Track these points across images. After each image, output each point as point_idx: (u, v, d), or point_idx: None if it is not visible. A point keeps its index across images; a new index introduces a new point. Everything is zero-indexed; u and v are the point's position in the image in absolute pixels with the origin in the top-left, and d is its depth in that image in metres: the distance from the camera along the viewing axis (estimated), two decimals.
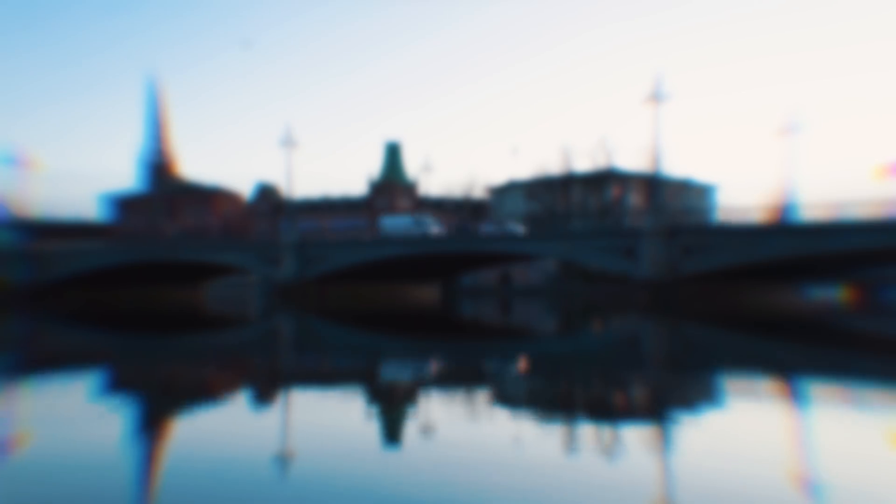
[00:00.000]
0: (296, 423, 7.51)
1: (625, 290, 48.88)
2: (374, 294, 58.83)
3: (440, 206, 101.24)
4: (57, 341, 20.19)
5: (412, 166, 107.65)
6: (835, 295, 60.18)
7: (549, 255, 57.97)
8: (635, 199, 79.89)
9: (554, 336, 21.18)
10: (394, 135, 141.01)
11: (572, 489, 4.94)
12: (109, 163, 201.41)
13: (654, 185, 50.63)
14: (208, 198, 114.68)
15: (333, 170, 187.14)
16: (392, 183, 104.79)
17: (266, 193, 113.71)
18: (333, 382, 10.80)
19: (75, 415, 7.99)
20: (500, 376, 11.34)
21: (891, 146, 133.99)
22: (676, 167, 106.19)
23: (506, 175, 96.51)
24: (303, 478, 5.30)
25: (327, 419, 7.69)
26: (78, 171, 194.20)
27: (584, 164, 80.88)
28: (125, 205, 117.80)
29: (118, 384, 10.93)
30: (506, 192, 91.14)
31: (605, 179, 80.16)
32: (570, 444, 6.37)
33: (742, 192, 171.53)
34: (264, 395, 9.62)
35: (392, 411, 8.21)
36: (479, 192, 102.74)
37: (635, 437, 6.63)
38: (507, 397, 9.18)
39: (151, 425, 7.58)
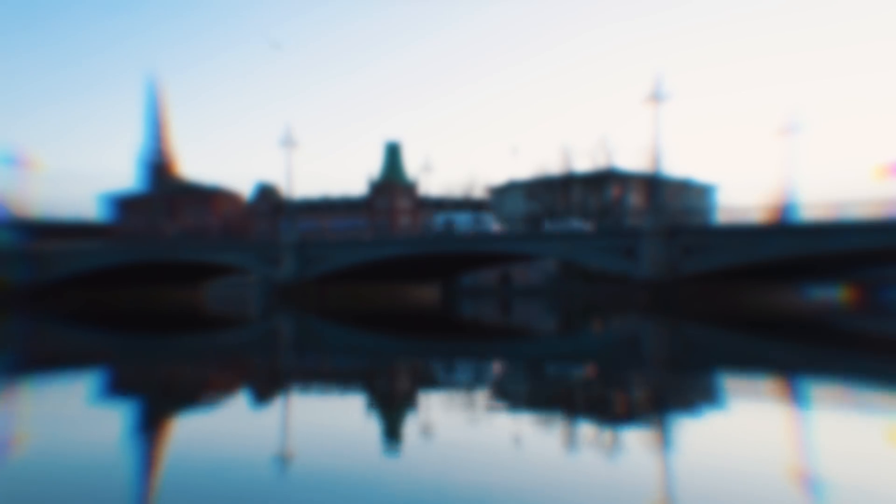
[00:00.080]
0: (296, 424, 7.51)
1: (625, 290, 48.89)
2: (374, 294, 58.83)
3: (440, 206, 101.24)
4: (57, 341, 20.19)
5: (412, 166, 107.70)
6: (835, 295, 60.19)
7: (549, 255, 57.97)
8: (635, 199, 79.91)
9: (554, 336, 21.17)
10: (394, 135, 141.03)
11: (572, 489, 4.94)
12: (109, 163, 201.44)
13: (654, 185, 50.63)
14: (208, 198, 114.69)
15: (333, 170, 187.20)
16: (392, 183, 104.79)
17: (266, 193, 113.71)
18: (333, 383, 10.79)
19: (75, 415, 7.98)
20: (500, 376, 11.33)
21: (891, 146, 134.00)
22: (676, 167, 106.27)
23: (506, 175, 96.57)
24: (303, 478, 5.30)
25: (327, 419, 7.69)
26: (78, 171, 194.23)
27: (584, 164, 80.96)
28: (125, 205, 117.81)
29: (118, 384, 10.92)
30: (506, 192, 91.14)
31: (605, 179, 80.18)
32: (570, 445, 6.37)
33: (742, 192, 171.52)
34: (264, 395, 9.62)
35: (392, 411, 8.21)
36: (479, 192, 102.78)
37: (635, 437, 6.63)
38: (508, 397, 9.18)
39: (151, 425, 7.58)
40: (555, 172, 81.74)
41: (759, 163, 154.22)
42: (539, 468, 5.48)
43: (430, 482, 5.16)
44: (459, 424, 7.29)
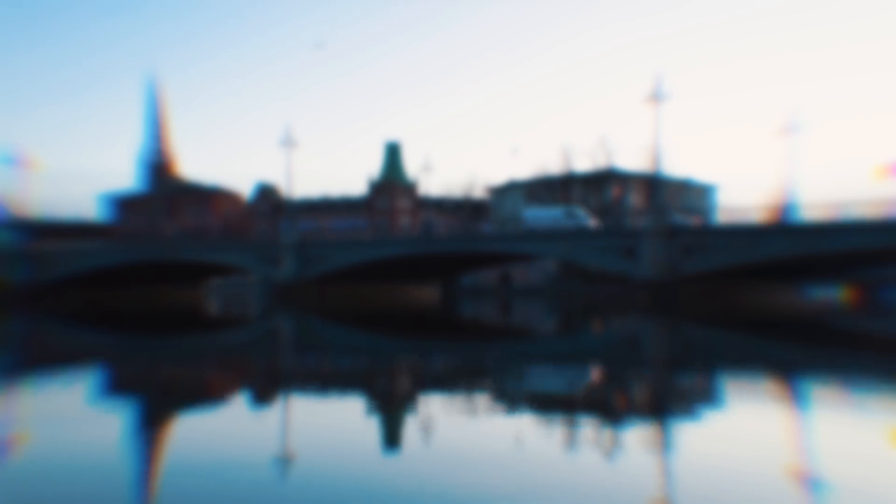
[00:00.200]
0: (296, 424, 7.50)
1: (625, 290, 48.88)
2: (374, 294, 58.82)
3: (440, 207, 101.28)
4: (57, 341, 20.18)
5: (412, 166, 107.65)
6: (835, 295, 60.19)
7: (549, 255, 57.97)
8: (635, 199, 79.91)
9: (554, 336, 21.16)
10: (394, 135, 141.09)
11: (572, 489, 4.93)
12: (109, 163, 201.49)
13: (654, 185, 50.62)
14: (208, 198, 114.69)
15: (333, 170, 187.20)
16: (392, 183, 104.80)
17: (266, 193, 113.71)
18: (333, 383, 10.78)
19: (75, 415, 7.97)
20: (500, 376, 11.32)
21: (891, 146, 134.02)
22: (677, 167, 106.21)
23: (506, 175, 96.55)
24: (303, 478, 5.29)
25: (327, 419, 7.68)
26: (78, 171, 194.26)
27: (584, 164, 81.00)
28: (125, 205, 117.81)
29: (118, 384, 10.91)
30: (506, 192, 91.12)
31: (605, 179, 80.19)
32: (570, 445, 6.36)
33: (742, 192, 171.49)
34: (264, 395, 9.61)
35: (392, 412, 8.20)
36: (479, 192, 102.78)
37: (635, 437, 6.62)
38: (507, 397, 9.17)
39: (151, 425, 7.57)
40: (555, 172, 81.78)
41: (759, 163, 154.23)
42: (539, 468, 5.47)
43: (430, 482, 5.15)
44: (459, 424, 7.29)
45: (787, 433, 6.82)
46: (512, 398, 9.08)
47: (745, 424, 7.23)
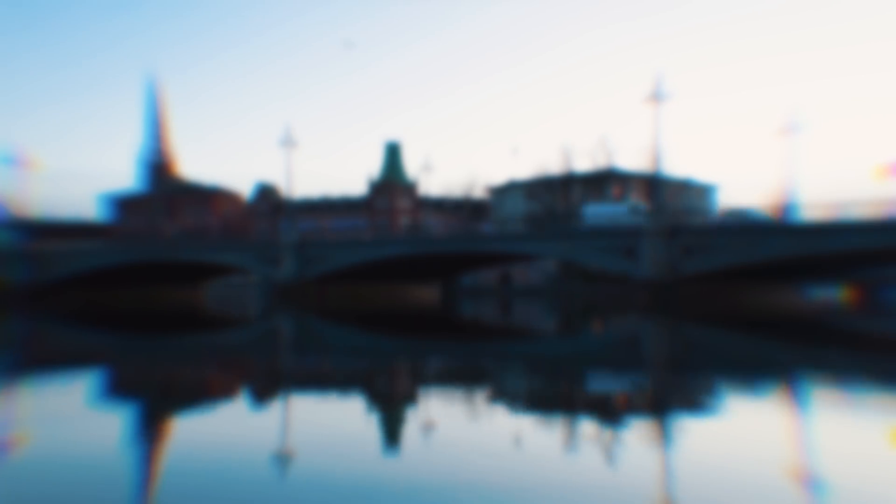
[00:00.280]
0: (296, 424, 7.49)
1: (625, 290, 48.86)
2: (374, 294, 58.81)
3: (440, 207, 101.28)
4: (56, 341, 20.17)
5: (412, 166, 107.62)
6: (835, 295, 60.20)
7: (549, 255, 57.95)
8: (635, 199, 79.87)
9: (554, 336, 21.15)
10: (394, 135, 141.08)
11: (572, 489, 4.92)
12: (109, 163, 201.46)
13: (654, 184, 50.61)
14: (208, 198, 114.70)
15: (333, 170, 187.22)
16: (392, 183, 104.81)
17: (266, 193, 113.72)
18: (333, 383, 10.78)
19: (75, 415, 7.97)
20: (500, 376, 11.32)
21: (891, 146, 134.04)
22: (677, 167, 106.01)
23: (506, 175, 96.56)
24: (303, 478, 5.28)
25: (327, 419, 7.67)
26: (78, 171, 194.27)
27: (584, 164, 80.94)
28: (125, 205, 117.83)
29: (118, 384, 10.90)
30: (506, 192, 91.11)
31: (605, 179, 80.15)
32: (571, 444, 6.35)
33: (742, 192, 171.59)
34: (264, 395, 9.60)
35: (392, 411, 8.19)
36: (479, 192, 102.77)
37: (635, 437, 6.61)
38: (507, 397, 9.16)
39: (151, 425, 7.56)
40: (555, 172, 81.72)
41: (759, 163, 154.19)
42: (539, 468, 5.47)
43: (430, 482, 5.15)
44: (459, 424, 7.28)
45: (786, 433, 6.81)
46: (512, 398, 9.08)
47: (745, 424, 7.23)
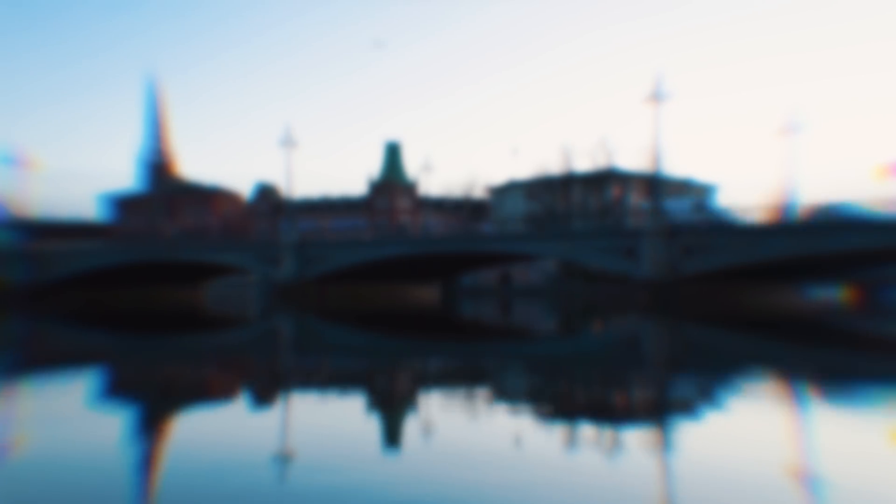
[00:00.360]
0: (296, 424, 7.49)
1: (625, 290, 48.86)
2: (374, 294, 58.81)
3: (440, 206, 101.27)
4: (56, 341, 20.16)
5: (412, 166, 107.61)
6: (835, 295, 60.20)
7: (549, 255, 57.95)
8: (636, 199, 79.86)
9: (554, 336, 21.15)
10: (394, 135, 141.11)
11: (572, 489, 4.92)
12: (109, 163, 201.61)
13: (654, 185, 50.60)
14: (208, 198, 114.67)
15: (333, 170, 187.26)
16: (392, 183, 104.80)
17: (266, 193, 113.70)
18: (333, 383, 10.77)
19: (75, 415, 7.96)
20: (500, 376, 11.31)
21: (891, 146, 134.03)
22: (677, 167, 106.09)
23: (506, 175, 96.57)
24: (303, 478, 5.27)
25: (327, 419, 7.67)
26: (78, 171, 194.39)
27: (584, 164, 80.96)
28: (124, 205, 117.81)
29: (118, 384, 10.90)
30: (506, 192, 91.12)
31: (605, 179, 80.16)
32: (571, 445, 6.35)
33: (742, 192, 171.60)
34: (264, 395, 9.60)
35: (392, 412, 8.19)
36: (479, 192, 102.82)
37: (635, 437, 6.61)
38: (507, 397, 9.16)
39: (151, 425, 7.55)
40: (555, 172, 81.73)
41: (759, 163, 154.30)
42: (539, 468, 5.46)
43: (430, 482, 5.14)
44: (459, 424, 7.27)
45: (787, 433, 6.80)
46: (512, 398, 9.07)
47: (746, 425, 7.22)
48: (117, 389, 10.29)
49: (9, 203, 68.29)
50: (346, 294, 56.79)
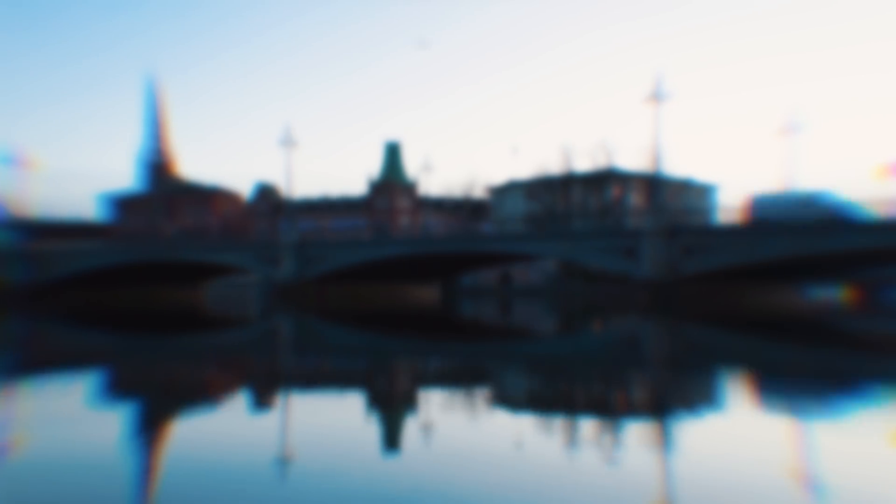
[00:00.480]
0: (295, 424, 7.47)
1: (625, 290, 48.87)
2: (374, 294, 58.81)
3: (440, 207, 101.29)
4: (56, 341, 20.15)
5: (412, 166, 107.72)
6: (835, 295, 60.20)
7: (549, 255, 57.96)
8: (636, 199, 79.90)
9: (554, 336, 21.14)
10: (394, 135, 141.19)
11: (572, 489, 4.91)
12: (109, 163, 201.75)
13: (654, 184, 50.62)
14: (208, 198, 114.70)
15: (333, 170, 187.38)
16: (392, 183, 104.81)
17: (266, 193, 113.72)
18: (333, 383, 10.76)
19: (74, 415, 7.95)
20: (500, 376, 11.30)
21: (891, 146, 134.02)
22: (677, 167, 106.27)
23: (506, 175, 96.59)
24: (302, 478, 5.26)
25: (327, 420, 7.65)
26: (78, 171, 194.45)
27: (584, 164, 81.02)
28: (124, 205, 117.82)
29: (117, 384, 10.88)
30: (506, 192, 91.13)
31: (605, 179, 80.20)
32: (571, 445, 6.33)
33: (743, 192, 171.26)
34: (264, 395, 9.58)
35: (392, 412, 8.17)
36: (479, 192, 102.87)
37: (635, 437, 6.59)
38: (508, 398, 9.15)
39: (151, 426, 7.54)
40: (555, 172, 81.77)
41: (759, 163, 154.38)
42: (539, 468, 5.45)
43: (430, 482, 5.13)
44: (459, 424, 7.26)
45: (787, 433, 6.79)
46: (512, 398, 9.06)
47: (746, 425, 7.21)
48: (117, 389, 10.28)
49: (9, 203, 68.31)
50: (346, 294, 56.79)
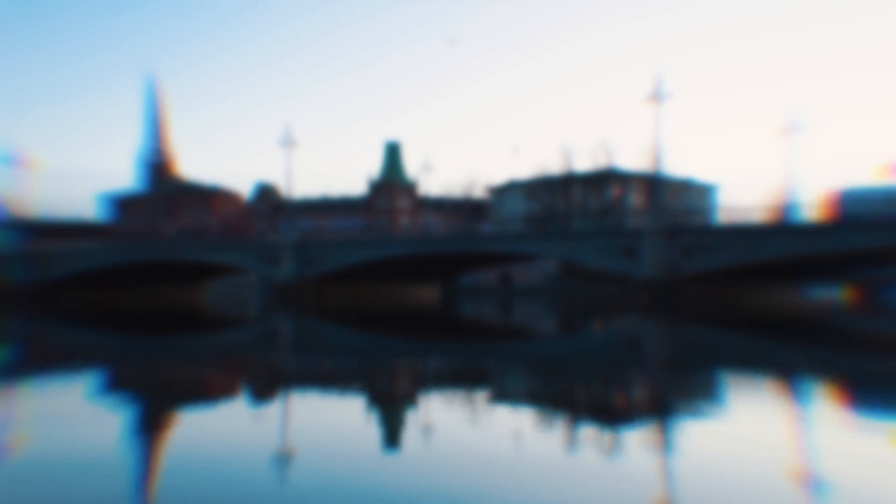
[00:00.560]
0: (296, 424, 7.46)
1: (625, 290, 48.86)
2: (374, 294, 58.80)
3: (440, 206, 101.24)
4: (56, 341, 20.14)
5: (412, 166, 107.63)
6: (836, 295, 60.20)
7: (549, 255, 57.96)
8: (636, 199, 79.88)
9: (554, 336, 21.13)
10: (394, 135, 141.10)
11: (572, 489, 4.90)
12: (109, 163, 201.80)
13: (654, 184, 50.62)
14: (208, 198, 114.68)
15: (333, 170, 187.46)
16: (392, 183, 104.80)
17: (266, 193, 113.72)
18: (333, 383, 10.75)
19: (74, 415, 7.94)
20: (500, 376, 11.29)
21: (891, 146, 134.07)
22: (677, 167, 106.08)
23: (506, 175, 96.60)
24: (303, 478, 5.25)
25: (327, 419, 7.64)
26: (78, 171, 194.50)
27: (584, 164, 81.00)
28: (124, 205, 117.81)
29: (117, 384, 10.87)
30: (506, 192, 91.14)
31: (605, 179, 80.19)
32: (571, 444, 6.32)
33: (743, 192, 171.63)
34: (264, 395, 9.57)
35: (392, 411, 8.16)
36: (479, 192, 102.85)
37: (635, 437, 6.58)
38: (507, 397, 9.14)
39: (151, 425, 7.53)
40: (555, 172, 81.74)
41: (760, 163, 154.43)
42: (539, 468, 5.44)
43: (430, 482, 5.12)
44: (459, 424, 7.25)
45: (787, 434, 6.78)
46: (512, 398, 9.05)
47: (746, 425, 7.20)
48: (117, 389, 10.26)
49: (9, 203, 68.31)
50: (346, 294, 56.78)
